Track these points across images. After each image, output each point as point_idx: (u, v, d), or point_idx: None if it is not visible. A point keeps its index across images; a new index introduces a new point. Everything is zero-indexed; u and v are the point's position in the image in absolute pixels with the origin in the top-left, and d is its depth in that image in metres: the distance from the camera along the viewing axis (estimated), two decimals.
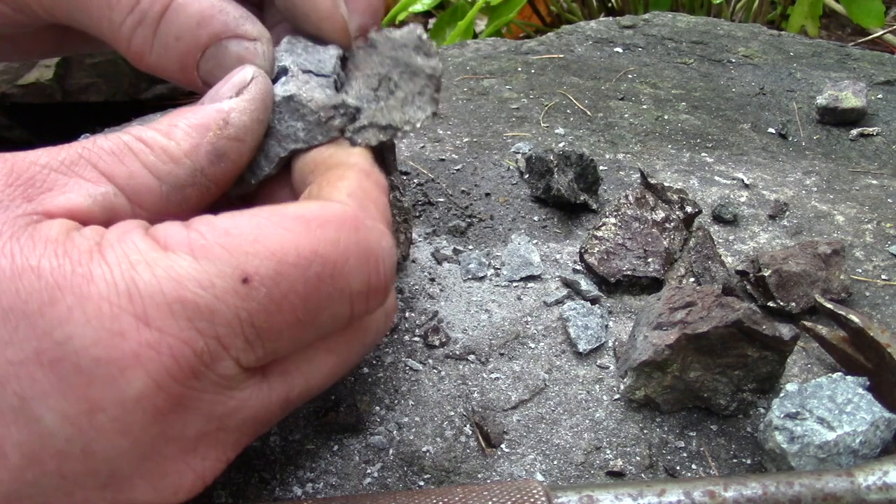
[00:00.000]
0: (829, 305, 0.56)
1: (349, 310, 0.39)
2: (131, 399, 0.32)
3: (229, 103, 0.42)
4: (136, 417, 0.33)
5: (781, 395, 0.48)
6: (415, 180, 0.77)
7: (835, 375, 0.49)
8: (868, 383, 0.48)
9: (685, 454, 0.50)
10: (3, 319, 0.31)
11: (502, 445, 0.50)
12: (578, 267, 0.65)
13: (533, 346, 0.58)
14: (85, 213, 0.37)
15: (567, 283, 0.64)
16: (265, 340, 0.36)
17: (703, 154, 0.88)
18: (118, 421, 0.33)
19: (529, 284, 0.64)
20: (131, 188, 0.38)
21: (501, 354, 0.57)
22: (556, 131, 0.91)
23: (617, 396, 0.54)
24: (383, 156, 0.61)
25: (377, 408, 0.52)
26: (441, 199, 0.75)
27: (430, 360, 0.56)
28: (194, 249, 0.34)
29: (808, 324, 0.57)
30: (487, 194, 0.76)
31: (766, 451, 0.47)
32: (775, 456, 0.46)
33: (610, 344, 0.58)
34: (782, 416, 0.47)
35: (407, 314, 0.60)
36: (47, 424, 0.32)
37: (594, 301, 0.62)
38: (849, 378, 0.48)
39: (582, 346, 0.57)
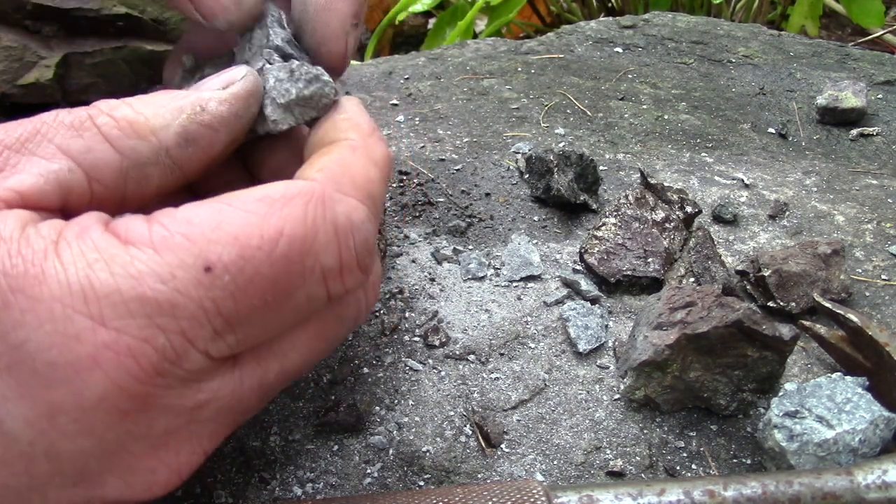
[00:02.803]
0: (828, 305, 0.56)
1: (324, 289, 0.37)
2: (91, 401, 0.32)
3: (211, 93, 0.41)
4: (97, 418, 0.32)
5: (780, 394, 0.48)
6: (415, 180, 0.77)
7: (834, 375, 0.49)
8: (867, 383, 0.48)
9: (685, 454, 0.50)
10: None
11: (502, 445, 0.50)
12: (578, 267, 0.65)
13: (533, 346, 0.58)
14: (38, 193, 0.35)
15: (567, 283, 0.64)
16: (235, 328, 0.34)
17: (703, 154, 0.88)
18: (80, 423, 0.32)
19: (529, 284, 0.64)
20: (88, 163, 0.37)
21: (501, 354, 0.57)
22: (556, 131, 0.91)
23: (617, 396, 0.54)
24: None
25: (377, 408, 0.52)
26: (441, 199, 0.75)
27: (430, 360, 0.56)
28: (155, 242, 0.33)
29: (806, 323, 0.57)
30: (487, 194, 0.76)
31: (766, 449, 0.47)
32: (774, 454, 0.46)
33: (610, 344, 0.58)
34: (781, 414, 0.47)
35: (407, 314, 0.60)
36: (10, 428, 0.31)
37: (594, 301, 0.62)
38: (848, 378, 0.48)
39: (582, 346, 0.57)
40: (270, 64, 0.45)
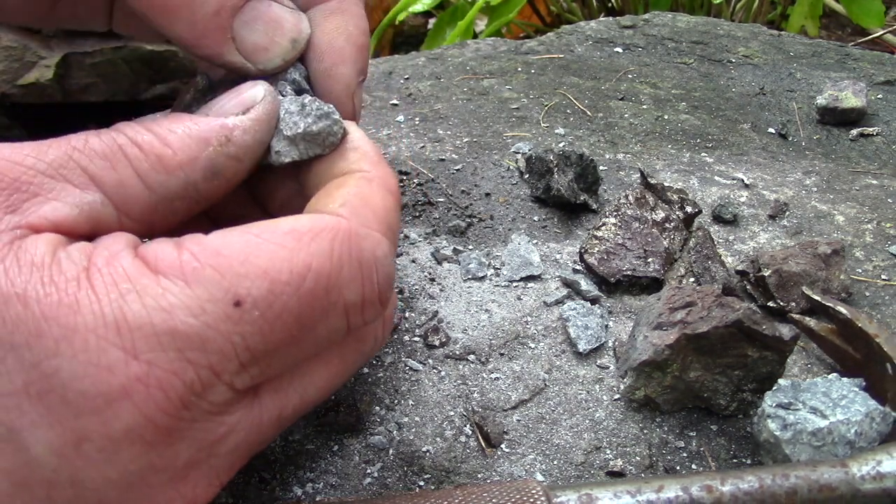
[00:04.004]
0: (818, 297, 0.56)
1: (345, 323, 0.38)
2: (119, 431, 0.32)
3: (234, 120, 0.40)
4: (123, 448, 0.32)
5: (774, 388, 0.48)
6: (415, 180, 0.77)
7: (831, 376, 0.49)
8: (864, 384, 0.48)
9: (685, 454, 0.50)
10: None
11: (502, 445, 0.50)
12: (578, 267, 0.66)
13: (533, 346, 0.58)
14: (71, 224, 0.35)
15: (567, 283, 0.64)
16: (259, 361, 0.35)
17: (703, 154, 0.88)
18: (105, 452, 0.32)
19: (529, 284, 0.64)
20: (120, 197, 0.37)
21: (501, 354, 0.57)
22: (556, 131, 0.91)
23: (617, 396, 0.54)
24: None
25: (377, 408, 0.52)
26: (441, 199, 0.75)
27: (430, 360, 0.56)
28: (186, 273, 0.33)
29: (796, 316, 0.58)
30: (487, 194, 0.76)
31: (761, 443, 0.47)
32: (770, 447, 0.47)
33: (610, 344, 0.58)
34: (774, 405, 0.47)
35: (407, 314, 0.60)
36: (36, 454, 0.32)
37: (594, 301, 0.62)
38: (845, 379, 0.48)
39: (582, 346, 0.57)
40: (283, 96, 0.45)
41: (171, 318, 0.32)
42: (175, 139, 0.38)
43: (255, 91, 0.42)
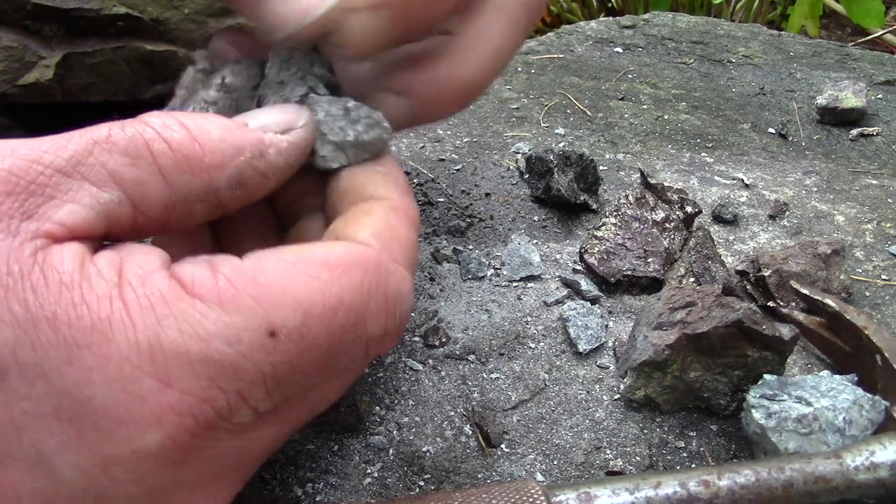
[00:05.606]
0: (805, 291, 0.56)
1: (364, 353, 0.38)
2: (147, 454, 0.32)
3: (273, 137, 0.40)
4: (149, 468, 0.33)
5: (759, 383, 0.48)
6: (415, 180, 0.77)
7: (822, 373, 0.49)
8: (857, 378, 0.48)
9: (685, 454, 0.50)
10: (20, 373, 0.30)
11: (502, 445, 0.50)
12: (578, 267, 0.65)
13: (533, 346, 0.58)
14: (87, 227, 0.34)
15: (567, 283, 0.64)
16: (284, 388, 0.35)
17: (703, 154, 0.88)
18: (132, 473, 0.32)
19: (529, 284, 0.64)
20: (139, 195, 0.36)
21: (501, 354, 0.57)
22: (556, 131, 0.91)
23: (617, 396, 0.54)
24: None
25: (377, 408, 0.52)
26: (441, 199, 0.75)
27: (430, 360, 0.56)
28: (223, 300, 0.33)
29: (784, 310, 0.58)
30: (487, 194, 0.76)
31: (750, 436, 0.47)
32: (758, 438, 0.47)
33: (610, 344, 0.58)
34: (758, 396, 0.47)
35: None
36: (63, 475, 0.32)
37: (594, 301, 0.62)
38: (837, 376, 0.48)
39: (582, 346, 0.57)
40: (317, 94, 0.43)
41: (208, 347, 0.32)
42: (207, 140, 0.37)
43: (298, 114, 0.42)
